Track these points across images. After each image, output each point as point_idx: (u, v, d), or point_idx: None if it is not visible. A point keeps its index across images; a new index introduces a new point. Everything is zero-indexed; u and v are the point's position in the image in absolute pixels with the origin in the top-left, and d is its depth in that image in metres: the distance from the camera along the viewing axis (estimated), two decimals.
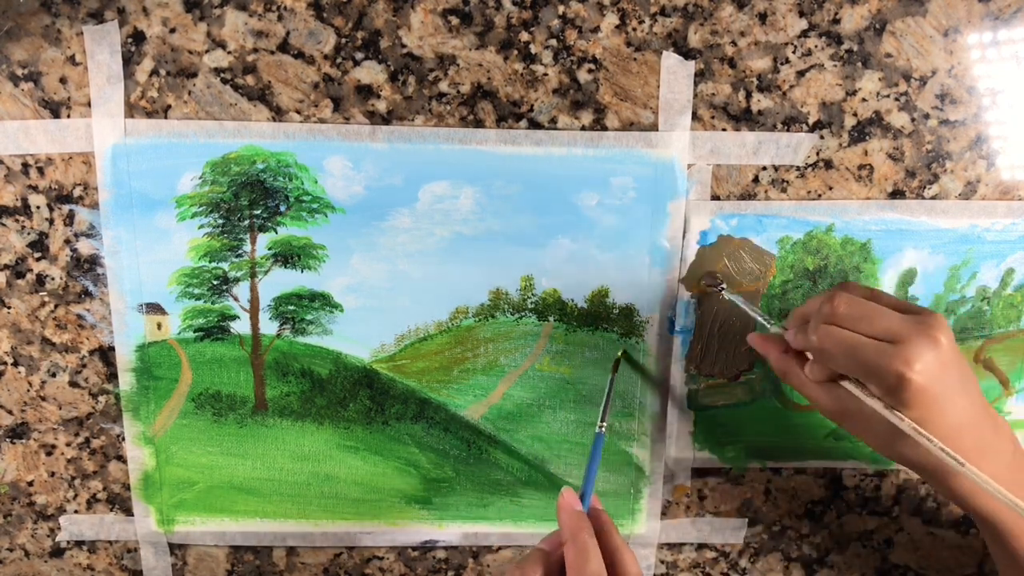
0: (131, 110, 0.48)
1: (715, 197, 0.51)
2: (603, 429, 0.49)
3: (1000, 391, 0.56)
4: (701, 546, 0.60)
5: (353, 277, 0.51)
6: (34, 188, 0.50)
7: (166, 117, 0.48)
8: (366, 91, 0.49)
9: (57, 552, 0.58)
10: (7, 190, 0.50)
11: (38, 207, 0.50)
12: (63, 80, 0.48)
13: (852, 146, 0.50)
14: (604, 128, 0.50)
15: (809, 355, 0.44)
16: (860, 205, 0.51)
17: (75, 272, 0.51)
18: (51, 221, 0.50)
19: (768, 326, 0.47)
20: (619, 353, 0.53)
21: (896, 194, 0.51)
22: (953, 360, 0.39)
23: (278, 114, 0.49)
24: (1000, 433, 0.42)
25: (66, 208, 0.50)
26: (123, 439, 0.55)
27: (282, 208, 0.50)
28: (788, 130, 0.50)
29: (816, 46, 0.49)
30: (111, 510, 0.57)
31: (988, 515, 0.43)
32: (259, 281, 0.51)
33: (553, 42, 0.48)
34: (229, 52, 0.48)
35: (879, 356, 0.39)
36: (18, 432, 0.55)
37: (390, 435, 0.55)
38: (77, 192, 0.50)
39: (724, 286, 0.51)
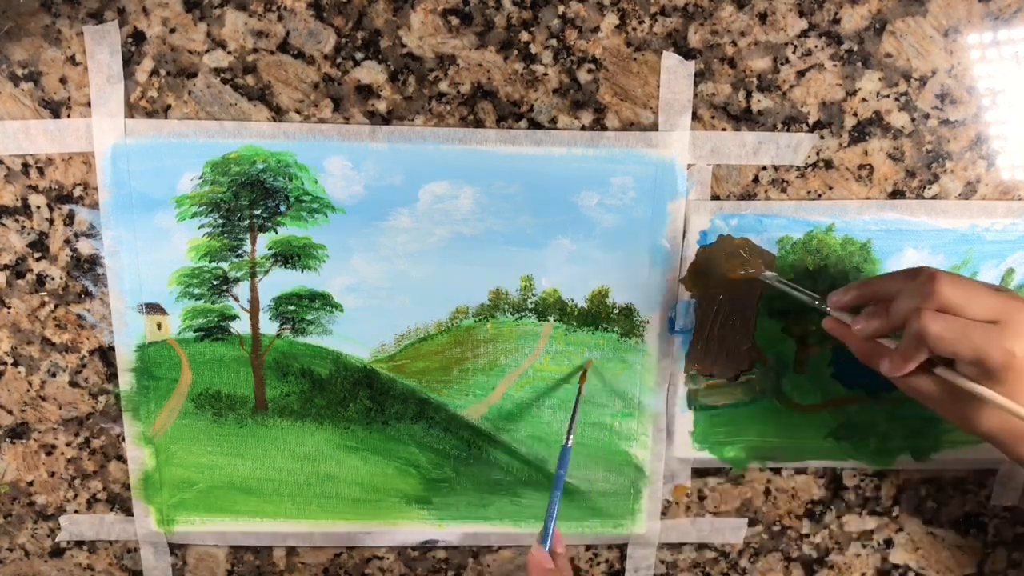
0: (131, 110, 0.48)
1: (715, 197, 0.51)
2: (570, 443, 0.50)
3: None
4: (701, 546, 0.60)
5: (353, 277, 0.51)
6: (34, 188, 0.50)
7: (166, 117, 0.48)
8: (366, 91, 0.49)
9: (57, 552, 0.58)
10: (7, 190, 0.50)
11: (38, 207, 0.50)
12: (63, 80, 0.48)
13: (852, 146, 0.50)
14: (604, 128, 0.50)
15: (884, 341, 0.44)
16: (860, 205, 0.51)
17: (75, 272, 0.51)
18: (51, 221, 0.50)
19: (824, 309, 0.46)
20: (584, 364, 0.53)
21: (896, 194, 0.51)
22: None
23: (278, 114, 0.49)
24: None
25: (66, 208, 0.50)
26: (123, 439, 0.55)
27: (282, 208, 0.50)
28: (788, 130, 0.50)
29: (816, 46, 0.49)
30: (111, 510, 0.57)
31: None
32: (259, 281, 0.51)
33: (553, 42, 0.48)
34: (229, 52, 0.48)
35: (987, 338, 0.39)
36: (18, 432, 0.55)
37: (390, 435, 0.55)
38: (77, 192, 0.50)
39: (769, 273, 0.51)
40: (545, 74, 0.49)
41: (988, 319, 0.39)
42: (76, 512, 0.57)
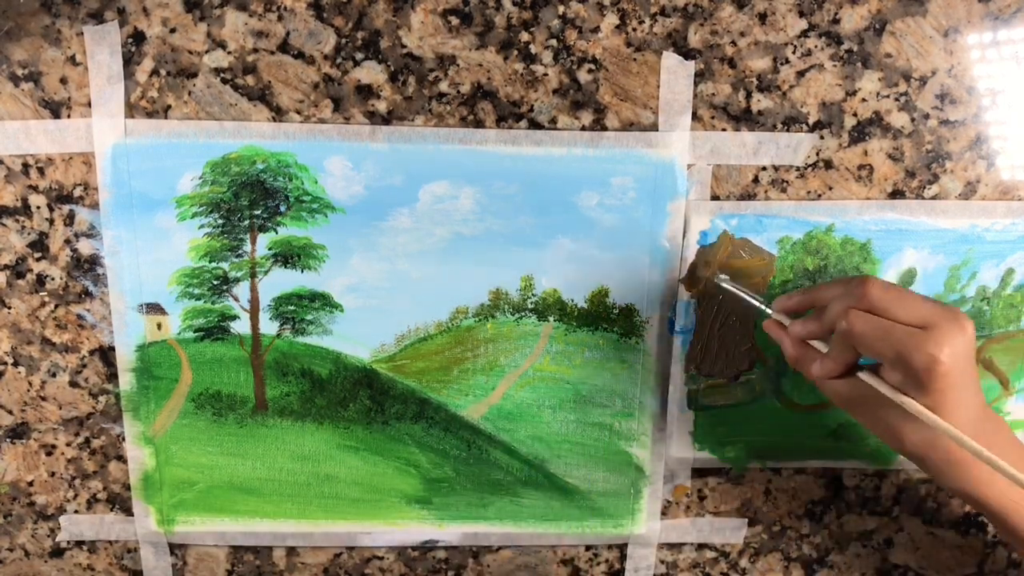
0: (131, 110, 0.48)
1: (715, 197, 0.51)
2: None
3: (1000, 391, 0.56)
4: (701, 546, 0.60)
5: (353, 277, 0.51)
6: (34, 188, 0.50)
7: (166, 117, 0.48)
8: (366, 91, 0.49)
9: (57, 552, 0.58)
10: (7, 190, 0.50)
11: (38, 207, 0.50)
12: (63, 80, 0.48)
13: (852, 146, 0.50)
14: (604, 128, 0.50)
15: (816, 344, 0.44)
16: (860, 205, 0.51)
17: (75, 272, 0.51)
18: (51, 221, 0.50)
19: (768, 311, 0.47)
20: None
21: (896, 194, 0.51)
22: (972, 353, 0.40)
23: (278, 114, 0.49)
24: (999, 427, 0.43)
25: (66, 208, 0.50)
26: (123, 439, 0.55)
27: (282, 208, 0.50)
28: (788, 130, 0.50)
29: (816, 46, 0.49)
30: (111, 510, 0.57)
31: (998, 508, 0.43)
32: (259, 281, 0.51)
33: (553, 42, 0.48)
34: (229, 52, 0.48)
35: (911, 339, 0.39)
36: (18, 432, 0.55)
37: (390, 435, 0.55)
38: (77, 192, 0.50)
39: (723, 276, 0.51)
40: (545, 74, 0.49)
41: (916, 324, 0.39)
42: (76, 512, 0.57)
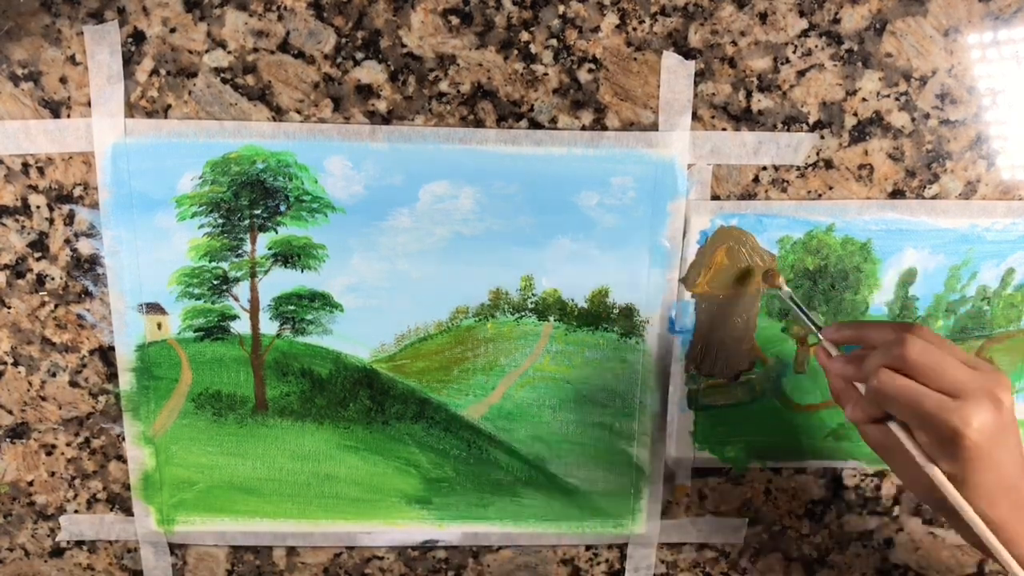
0: (131, 110, 0.48)
1: (715, 197, 0.51)
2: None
3: None
4: (701, 546, 0.60)
5: (353, 277, 0.51)
6: (34, 188, 0.50)
7: (166, 117, 0.48)
8: (366, 91, 0.49)
9: (57, 552, 0.58)
10: (7, 190, 0.50)
11: (38, 207, 0.50)
12: (63, 80, 0.48)
13: (852, 146, 0.50)
14: (604, 128, 0.50)
15: (859, 386, 0.43)
16: (860, 205, 0.51)
17: (75, 272, 0.51)
18: (51, 221, 0.50)
19: (819, 337, 0.46)
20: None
21: (896, 194, 0.51)
22: (1011, 422, 0.39)
23: (278, 114, 0.49)
24: None
25: (66, 208, 0.50)
26: (123, 439, 0.55)
27: (282, 208, 0.50)
28: (788, 130, 0.50)
29: (816, 46, 0.49)
30: (111, 510, 0.57)
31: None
32: (259, 281, 0.51)
33: (553, 42, 0.48)
34: (229, 52, 0.48)
35: (939, 410, 0.38)
36: (18, 432, 0.55)
37: (390, 435, 0.55)
38: (77, 192, 0.50)
39: (787, 290, 0.50)
40: (545, 74, 0.49)
41: (949, 392, 0.39)
42: (76, 512, 0.57)
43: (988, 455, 0.38)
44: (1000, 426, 0.38)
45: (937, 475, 0.39)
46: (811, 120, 0.50)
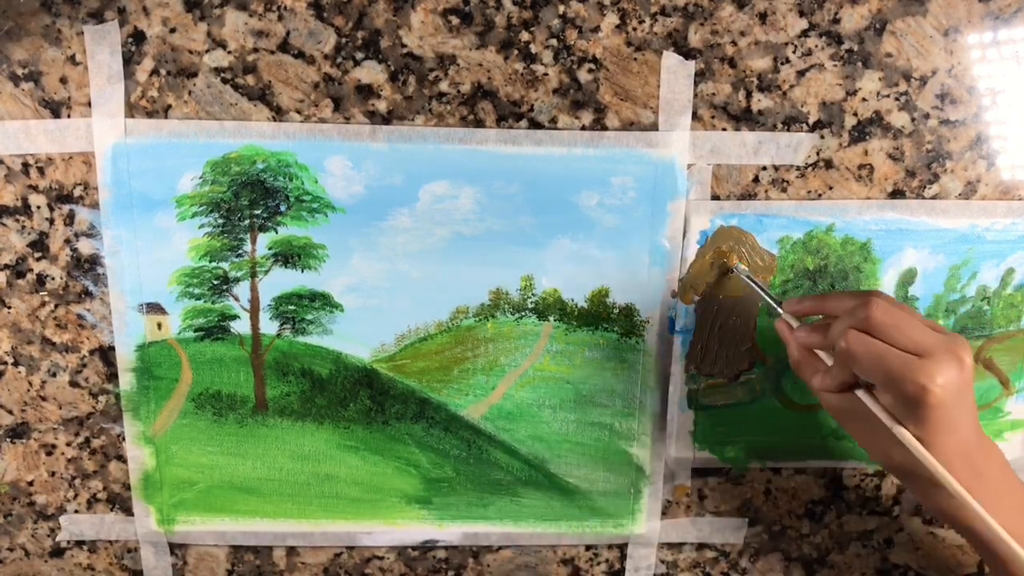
0: (131, 110, 0.48)
1: (715, 197, 0.51)
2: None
3: (1000, 391, 0.56)
4: (701, 546, 0.60)
5: (353, 277, 0.51)
6: (34, 188, 0.50)
7: (166, 117, 0.48)
8: (366, 91, 0.49)
9: (57, 552, 0.58)
10: (7, 190, 0.50)
11: (38, 207, 0.50)
12: (63, 80, 0.48)
13: (852, 146, 0.50)
14: (604, 128, 0.50)
15: (820, 354, 0.44)
16: (860, 205, 0.51)
17: (75, 272, 0.51)
18: (51, 221, 0.50)
19: (779, 311, 0.47)
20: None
21: (896, 194, 0.51)
22: (969, 383, 0.40)
23: (278, 114, 0.49)
24: (991, 456, 0.43)
25: (66, 208, 0.50)
26: (123, 439, 0.55)
27: (282, 208, 0.50)
28: (788, 130, 0.50)
29: (816, 46, 0.49)
30: (111, 510, 0.57)
31: (975, 532, 0.43)
32: (259, 281, 0.51)
33: (553, 42, 0.48)
34: (229, 52, 0.48)
35: (905, 367, 0.39)
36: (18, 432, 0.55)
37: (390, 435, 0.55)
38: (77, 192, 0.50)
39: (740, 265, 0.51)
40: (545, 74, 0.49)
41: (913, 351, 0.39)
42: (76, 512, 0.57)
43: (950, 415, 0.39)
44: (962, 384, 0.39)
45: (905, 435, 0.40)
46: (811, 120, 0.50)
